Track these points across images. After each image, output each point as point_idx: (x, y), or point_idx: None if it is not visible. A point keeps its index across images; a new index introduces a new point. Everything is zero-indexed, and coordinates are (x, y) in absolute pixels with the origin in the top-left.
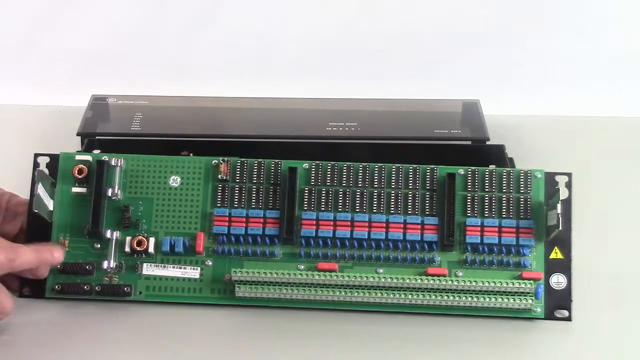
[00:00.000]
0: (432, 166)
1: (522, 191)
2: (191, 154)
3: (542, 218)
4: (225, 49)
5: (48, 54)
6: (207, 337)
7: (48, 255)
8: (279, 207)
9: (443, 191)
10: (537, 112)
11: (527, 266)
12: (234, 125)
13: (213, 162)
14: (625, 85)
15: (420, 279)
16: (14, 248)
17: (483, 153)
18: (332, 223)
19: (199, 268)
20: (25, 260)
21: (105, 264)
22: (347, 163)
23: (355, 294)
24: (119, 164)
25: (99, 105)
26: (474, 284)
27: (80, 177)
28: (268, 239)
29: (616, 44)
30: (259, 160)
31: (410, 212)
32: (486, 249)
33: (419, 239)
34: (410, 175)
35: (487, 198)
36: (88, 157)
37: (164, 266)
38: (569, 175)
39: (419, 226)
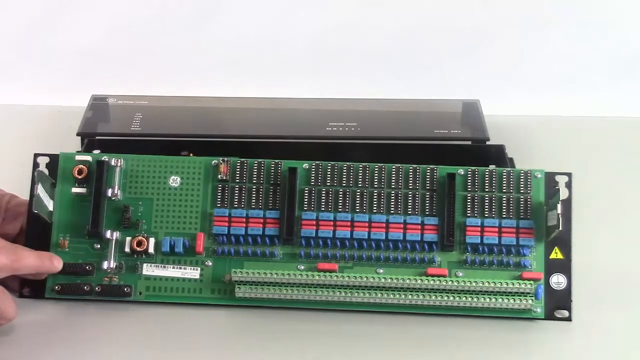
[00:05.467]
0: (432, 166)
1: (522, 191)
2: (191, 154)
3: (542, 218)
4: (226, 49)
5: (48, 54)
6: (207, 337)
7: (48, 263)
8: (279, 207)
9: (443, 191)
10: (537, 112)
11: (527, 266)
12: (234, 125)
13: (213, 162)
14: (625, 85)
15: (420, 279)
16: (16, 251)
17: (483, 153)
18: (332, 223)
19: (199, 268)
20: (26, 264)
21: (105, 265)
22: (347, 163)
23: (355, 294)
24: (119, 164)
25: (99, 105)
26: (474, 284)
27: (80, 177)
28: (268, 240)
29: (616, 44)
30: (259, 160)
31: (410, 212)
32: (486, 249)
33: (419, 239)
34: (410, 175)
35: (487, 198)
36: (88, 158)
37: (164, 266)
38: (569, 175)
39: (419, 226)
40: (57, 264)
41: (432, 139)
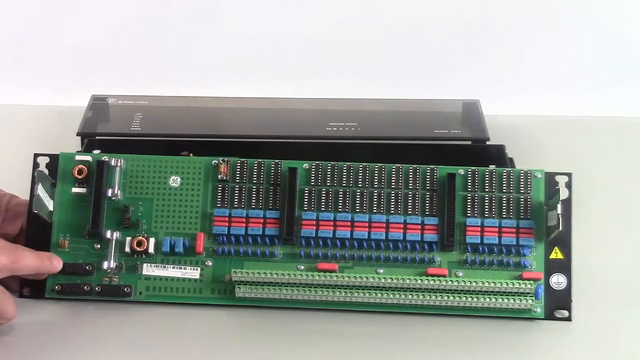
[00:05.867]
0: (432, 166)
1: (522, 191)
2: (191, 154)
3: (542, 218)
4: (226, 49)
5: (48, 54)
6: (207, 337)
7: (48, 263)
8: (279, 207)
9: (443, 191)
10: (537, 112)
11: (527, 266)
12: (234, 125)
13: (213, 162)
14: (625, 85)
15: (421, 279)
16: (16, 251)
17: (483, 153)
18: (332, 223)
19: (199, 268)
20: (26, 264)
21: (105, 265)
22: (347, 163)
23: (356, 294)
24: (119, 164)
25: (99, 105)
26: (474, 284)
27: (80, 177)
28: (268, 240)
29: (616, 44)
30: (259, 160)
31: (410, 212)
32: (486, 249)
33: (419, 239)
34: (410, 175)
35: (487, 198)
36: (88, 158)
37: (164, 266)
38: (569, 175)
39: (419, 226)
40: (57, 264)
41: (432, 139)
